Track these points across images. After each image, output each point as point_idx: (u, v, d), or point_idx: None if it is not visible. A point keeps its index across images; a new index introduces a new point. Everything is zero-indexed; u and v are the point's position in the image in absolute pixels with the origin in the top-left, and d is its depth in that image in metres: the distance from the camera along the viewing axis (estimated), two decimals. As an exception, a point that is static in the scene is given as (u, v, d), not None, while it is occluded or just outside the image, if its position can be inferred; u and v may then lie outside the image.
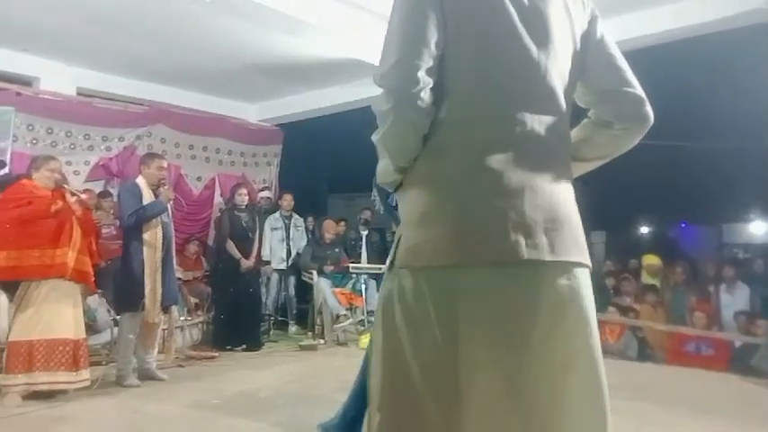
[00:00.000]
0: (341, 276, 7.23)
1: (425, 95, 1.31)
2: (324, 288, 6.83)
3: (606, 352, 5.09)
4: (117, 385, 4.72)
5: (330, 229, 7.50)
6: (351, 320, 6.77)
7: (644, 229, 16.91)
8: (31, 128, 6.96)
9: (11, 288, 4.31)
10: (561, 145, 1.41)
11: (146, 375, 4.92)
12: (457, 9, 1.33)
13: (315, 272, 7.16)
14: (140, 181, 4.87)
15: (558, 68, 1.38)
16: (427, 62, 1.31)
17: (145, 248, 4.71)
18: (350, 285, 7.18)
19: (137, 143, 7.68)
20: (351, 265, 7.22)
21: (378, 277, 7.11)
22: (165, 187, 4.89)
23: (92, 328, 6.18)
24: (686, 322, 6.44)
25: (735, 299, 6.84)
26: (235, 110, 8.91)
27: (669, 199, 14.16)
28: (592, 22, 1.47)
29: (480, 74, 1.35)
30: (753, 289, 6.92)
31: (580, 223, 1.36)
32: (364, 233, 7.94)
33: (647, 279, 7.33)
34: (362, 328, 6.90)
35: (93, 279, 4.58)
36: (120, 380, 4.76)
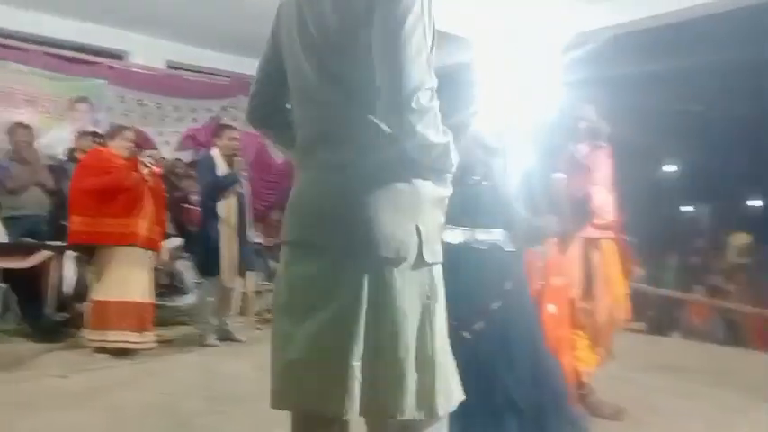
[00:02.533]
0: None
1: (252, 106, 1.72)
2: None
3: (691, 333, 4.93)
4: (199, 345, 5.02)
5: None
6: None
7: (745, 204, 15.80)
8: (122, 100, 7.37)
9: (86, 250, 4.69)
10: (364, 138, 1.46)
11: (225, 336, 5.18)
12: (276, 32, 1.63)
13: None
14: (215, 152, 5.06)
15: (339, 69, 1.45)
16: (258, 79, 1.70)
17: (220, 218, 4.92)
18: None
19: (222, 114, 7.96)
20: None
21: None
22: (238, 159, 5.05)
23: (179, 290, 6.60)
24: (782, 305, 6.01)
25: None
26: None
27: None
28: (368, 9, 1.37)
29: (291, 86, 1.59)
30: None
31: (367, 216, 1.43)
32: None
33: (734, 258, 6.89)
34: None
35: (161, 246, 4.88)
36: (201, 339, 5.06)
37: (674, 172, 13.10)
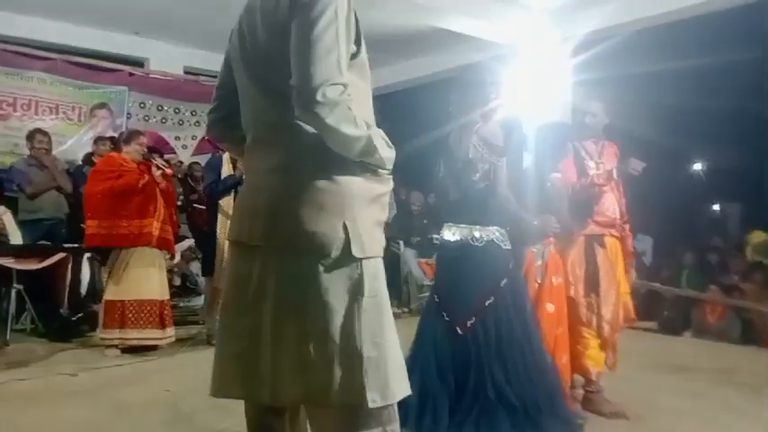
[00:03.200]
0: (427, 247, 7.26)
1: (210, 120, 1.85)
2: (409, 258, 6.92)
3: (705, 332, 4.85)
4: (207, 343, 5.11)
5: (416, 200, 7.56)
6: (434, 291, 6.81)
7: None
8: (143, 105, 7.57)
9: (101, 252, 4.84)
10: (290, 141, 1.54)
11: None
12: (228, 52, 1.75)
13: (401, 242, 7.25)
14: (225, 155, 5.16)
15: (267, 76, 1.56)
16: (215, 96, 1.82)
17: (219, 218, 4.97)
18: (435, 256, 7.21)
19: (239, 118, 8.10)
20: (435, 236, 7.23)
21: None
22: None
23: (194, 291, 6.74)
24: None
25: None
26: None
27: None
28: (291, 9, 1.47)
29: (239, 96, 1.70)
30: None
31: (291, 215, 1.51)
32: (454, 204, 7.86)
33: (753, 257, 6.75)
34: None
35: (174, 245, 5.00)
36: (209, 338, 5.11)
37: (699, 170, 12.85)
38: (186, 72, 8.13)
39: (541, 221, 3.23)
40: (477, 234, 2.99)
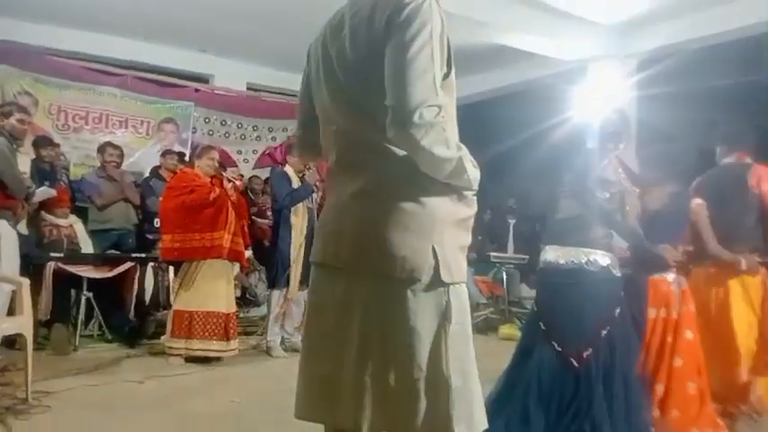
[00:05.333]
0: (483, 265, 7.19)
1: (297, 138, 1.90)
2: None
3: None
4: (267, 355, 5.16)
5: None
6: (491, 309, 6.72)
7: None
8: (207, 120, 7.79)
9: (175, 265, 4.96)
10: (378, 163, 1.51)
11: (292, 347, 5.29)
12: (307, 72, 1.74)
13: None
14: (288, 169, 5.25)
15: (356, 98, 1.52)
16: (299, 115, 1.83)
17: (292, 232, 5.07)
18: (491, 274, 7.13)
19: (298, 133, 8.23)
20: (492, 253, 7.16)
21: (521, 267, 6.98)
22: (311, 171, 5.19)
23: (253, 302, 6.83)
24: None
25: None
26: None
27: None
28: (386, 30, 1.44)
29: (319, 118, 1.68)
30: None
31: (380, 239, 1.47)
32: (512, 222, 7.80)
33: None
34: (502, 317, 6.78)
35: (245, 258, 5.06)
36: (269, 350, 5.20)
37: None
38: (249, 88, 8.31)
39: (662, 251, 3.13)
40: (590, 258, 2.87)
